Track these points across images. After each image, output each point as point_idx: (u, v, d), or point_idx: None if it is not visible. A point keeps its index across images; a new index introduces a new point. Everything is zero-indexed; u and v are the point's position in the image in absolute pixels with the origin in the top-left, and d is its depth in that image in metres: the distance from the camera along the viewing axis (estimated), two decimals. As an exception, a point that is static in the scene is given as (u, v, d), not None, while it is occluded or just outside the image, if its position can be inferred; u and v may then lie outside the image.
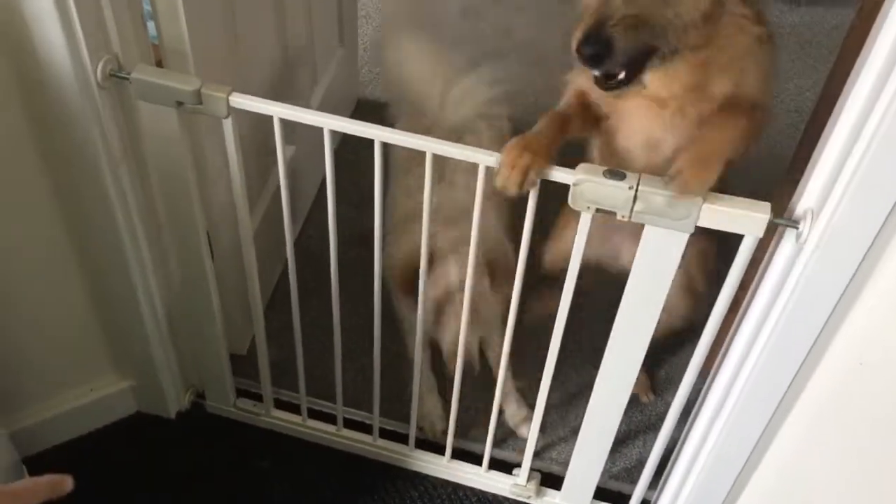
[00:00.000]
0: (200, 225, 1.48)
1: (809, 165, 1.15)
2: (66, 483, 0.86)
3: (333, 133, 1.27)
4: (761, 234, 1.15)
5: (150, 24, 1.38)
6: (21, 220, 1.43)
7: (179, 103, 1.26)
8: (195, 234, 1.49)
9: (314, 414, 1.81)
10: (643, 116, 1.31)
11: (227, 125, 1.28)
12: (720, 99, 1.26)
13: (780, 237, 1.19)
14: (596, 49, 1.14)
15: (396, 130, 1.25)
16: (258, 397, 1.81)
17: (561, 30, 1.28)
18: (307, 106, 2.08)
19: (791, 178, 1.62)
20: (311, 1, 1.98)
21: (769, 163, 2.48)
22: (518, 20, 2.96)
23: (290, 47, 1.90)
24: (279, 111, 1.25)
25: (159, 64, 1.41)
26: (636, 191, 1.15)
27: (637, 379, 1.42)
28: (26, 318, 1.56)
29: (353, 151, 2.19)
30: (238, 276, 1.57)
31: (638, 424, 1.87)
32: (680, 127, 1.29)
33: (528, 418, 1.72)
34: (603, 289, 1.63)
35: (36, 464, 1.69)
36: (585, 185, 1.17)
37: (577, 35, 1.15)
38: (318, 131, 1.27)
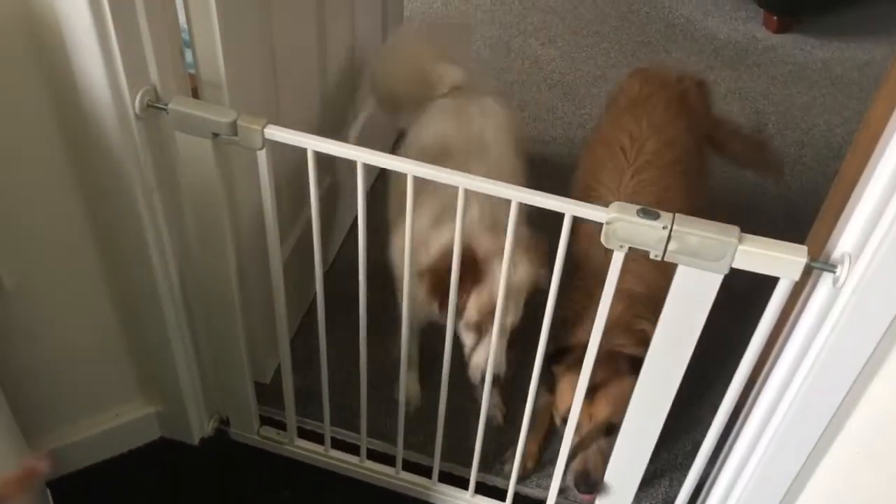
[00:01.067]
0: (231, 254, 1.48)
1: (847, 209, 1.13)
2: (39, 467, 0.80)
3: (370, 165, 1.27)
4: (797, 278, 1.13)
5: (187, 52, 1.39)
6: (53, 245, 1.45)
7: (215, 134, 1.27)
8: (225, 262, 1.49)
9: (337, 444, 1.80)
10: None
11: (262, 156, 1.29)
12: None
13: (817, 280, 1.17)
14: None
15: (430, 165, 1.25)
16: (282, 425, 1.80)
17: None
18: (346, 136, 2.10)
19: (826, 218, 1.60)
20: (354, 34, 2.00)
21: (800, 198, 2.47)
22: (545, 53, 2.98)
23: (331, 78, 1.92)
24: (313, 144, 1.26)
25: (194, 92, 1.43)
26: (670, 230, 1.14)
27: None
28: (55, 342, 1.57)
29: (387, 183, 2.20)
30: (266, 305, 1.57)
31: (665, 463, 1.84)
32: None
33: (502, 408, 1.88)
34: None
35: (60, 487, 1.69)
36: (618, 223, 1.16)
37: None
38: (354, 162, 1.27)
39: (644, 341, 1.54)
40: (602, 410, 1.55)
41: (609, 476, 1.52)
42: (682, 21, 3.17)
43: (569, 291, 1.67)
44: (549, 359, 1.54)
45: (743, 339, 1.26)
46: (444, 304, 1.47)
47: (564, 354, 1.60)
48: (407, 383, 1.81)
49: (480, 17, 3.12)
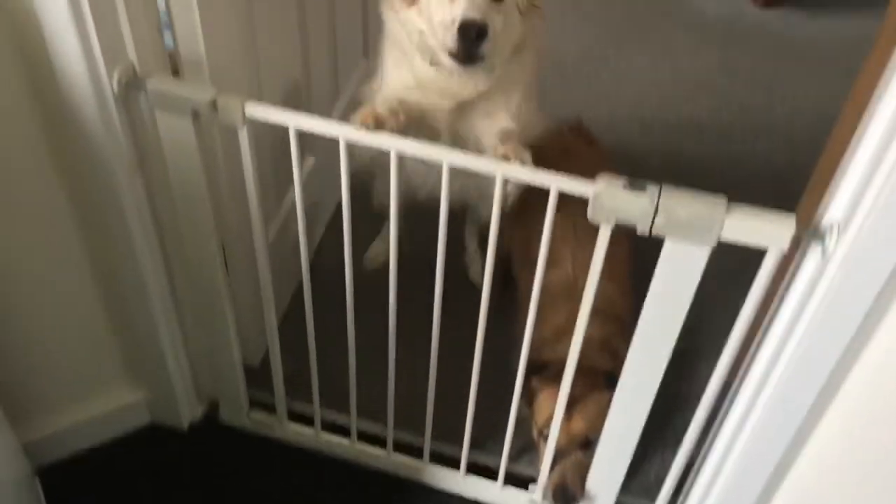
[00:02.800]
0: (215, 235, 1.47)
1: (835, 178, 1.12)
2: None
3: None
4: (786, 248, 1.12)
5: (167, 32, 1.37)
6: (36, 229, 1.43)
7: (195, 113, 1.25)
8: (209, 244, 1.48)
9: (328, 426, 1.79)
10: None
11: (243, 135, 1.27)
12: None
13: (805, 250, 1.16)
14: None
15: (414, 141, 1.23)
16: (272, 409, 1.79)
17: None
18: (327, 117, 2.07)
19: (815, 189, 1.60)
20: (334, 13, 1.97)
21: (790, 173, 2.46)
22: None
23: (312, 58, 1.89)
24: (295, 121, 1.24)
25: (175, 71, 1.41)
26: (657, 203, 1.13)
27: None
28: (41, 328, 1.56)
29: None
30: (254, 288, 1.56)
31: (657, 441, 1.84)
32: None
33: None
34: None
35: (49, 475, 1.68)
36: (605, 196, 1.15)
37: None
38: (337, 142, 1.26)
39: (618, 358, 1.56)
40: (579, 426, 1.57)
41: (600, 451, 1.52)
42: (670, -2, 3.15)
43: (544, 312, 1.66)
44: (529, 372, 1.55)
45: (735, 314, 1.25)
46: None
47: (543, 369, 1.62)
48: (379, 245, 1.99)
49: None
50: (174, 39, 1.37)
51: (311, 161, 1.99)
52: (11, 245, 1.42)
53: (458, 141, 1.47)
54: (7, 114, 1.27)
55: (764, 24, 3.06)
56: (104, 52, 1.20)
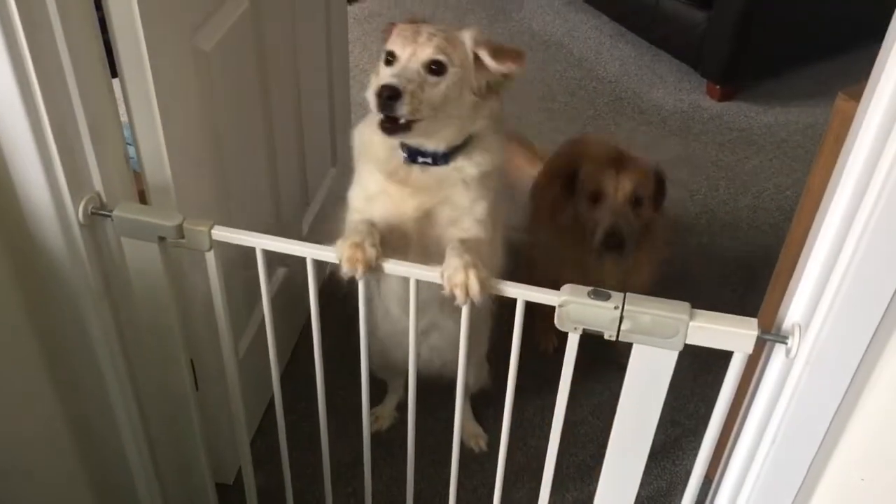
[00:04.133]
0: (183, 355, 1.45)
1: (794, 278, 1.15)
2: None
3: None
4: (750, 351, 1.13)
5: (132, 149, 1.38)
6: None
7: (162, 238, 1.26)
8: (178, 364, 1.46)
9: (305, 544, 1.74)
10: None
11: (210, 258, 1.28)
12: None
13: (771, 351, 1.17)
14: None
15: (383, 259, 1.25)
16: (246, 528, 1.74)
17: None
18: (299, 226, 2.10)
19: (778, 285, 1.62)
20: (301, 124, 2.01)
21: (757, 262, 2.50)
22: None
23: (280, 168, 1.92)
24: (262, 242, 1.25)
25: (142, 193, 1.42)
26: (622, 310, 1.14)
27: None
28: (4, 458, 1.51)
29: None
30: (225, 403, 1.53)
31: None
32: None
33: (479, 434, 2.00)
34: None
35: None
36: (571, 305, 1.16)
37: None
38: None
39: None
40: (627, 183, 1.82)
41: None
42: (630, 94, 3.26)
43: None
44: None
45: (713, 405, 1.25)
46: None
47: None
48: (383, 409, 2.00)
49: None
50: (140, 164, 1.38)
51: (281, 272, 2.00)
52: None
53: (428, 256, 1.46)
54: (-32, 245, 1.27)
55: (721, 115, 3.17)
56: (69, 183, 1.21)
